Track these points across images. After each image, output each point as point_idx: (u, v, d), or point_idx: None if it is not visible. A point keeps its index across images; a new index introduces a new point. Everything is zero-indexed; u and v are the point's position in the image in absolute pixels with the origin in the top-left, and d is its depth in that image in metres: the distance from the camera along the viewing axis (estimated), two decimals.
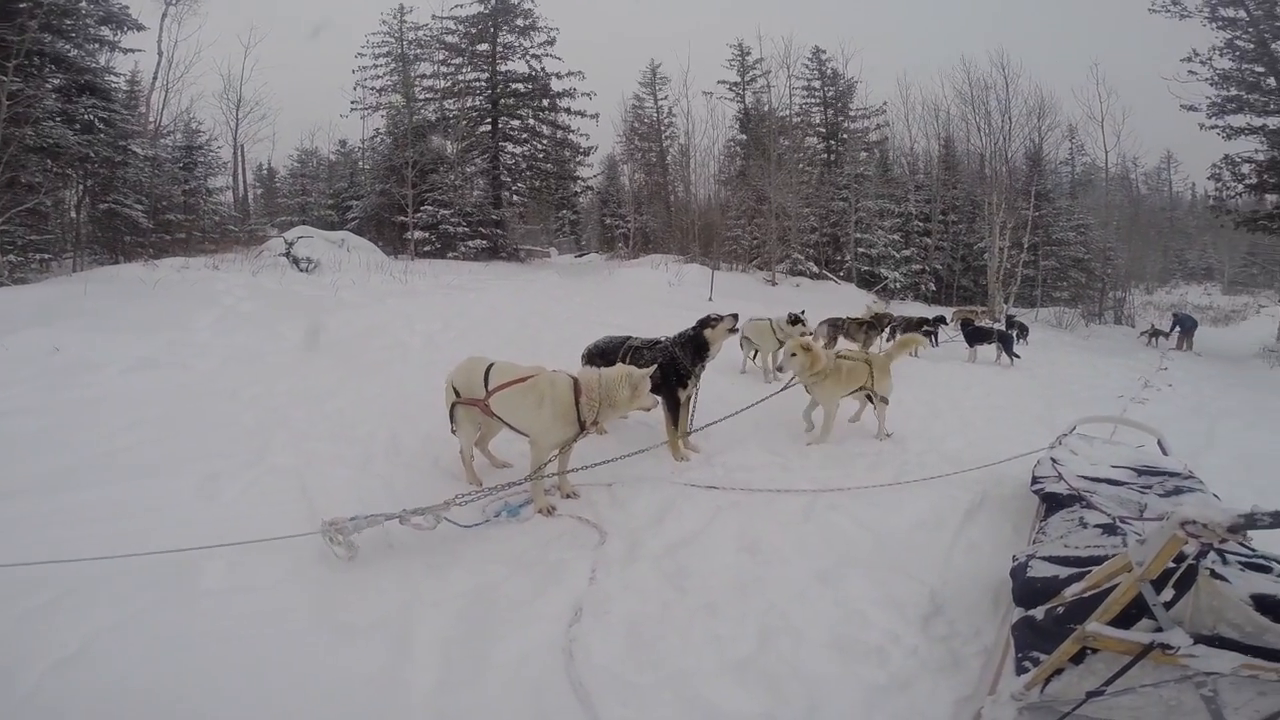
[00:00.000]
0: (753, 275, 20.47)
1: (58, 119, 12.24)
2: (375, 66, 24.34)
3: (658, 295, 14.97)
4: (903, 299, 21.98)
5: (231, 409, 4.83)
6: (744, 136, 26.48)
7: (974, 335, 10.45)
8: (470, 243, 20.51)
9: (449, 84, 23.44)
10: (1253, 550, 2.34)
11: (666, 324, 4.94)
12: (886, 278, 22.00)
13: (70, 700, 1.97)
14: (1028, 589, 2.35)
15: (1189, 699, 1.80)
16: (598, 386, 3.47)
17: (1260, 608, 1.78)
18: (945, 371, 8.19)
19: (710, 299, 15.05)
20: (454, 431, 3.77)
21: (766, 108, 26.26)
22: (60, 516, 3.04)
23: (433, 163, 21.64)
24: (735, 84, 27.03)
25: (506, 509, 3.47)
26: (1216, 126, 18.76)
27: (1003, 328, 12.28)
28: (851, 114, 27.03)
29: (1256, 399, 9.39)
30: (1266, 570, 2.05)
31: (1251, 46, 18.11)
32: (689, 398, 4.60)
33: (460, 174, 22.48)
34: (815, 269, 21.55)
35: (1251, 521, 1.52)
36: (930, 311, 14.24)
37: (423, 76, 23.92)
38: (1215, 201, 20.16)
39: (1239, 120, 18.51)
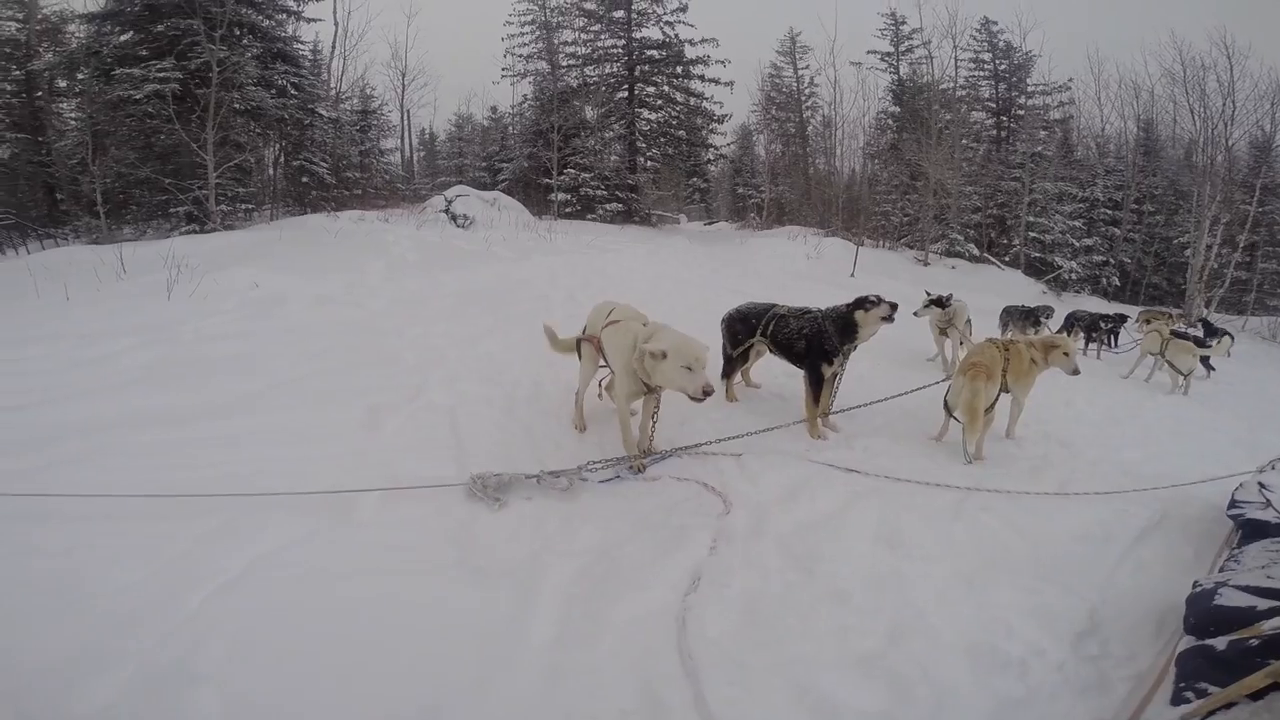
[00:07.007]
0: (902, 254, 18.80)
1: (257, 84, 13.67)
2: (521, 34, 24.93)
3: (794, 268, 14.22)
4: (1077, 292, 19.27)
5: (396, 346, 5.14)
6: (897, 109, 24.37)
7: None
8: (607, 206, 20.90)
9: (589, 50, 23.62)
10: None
11: (804, 298, 4.73)
12: (1061, 267, 19.32)
13: (223, 623, 2.05)
14: (1211, 617, 2.22)
15: None
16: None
17: None
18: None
19: (853, 275, 14.09)
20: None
21: (925, 79, 23.90)
22: (249, 437, 3.33)
23: (575, 128, 22.11)
24: (888, 54, 24.84)
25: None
26: None
27: (1200, 334, 10.13)
28: (1028, 90, 23.90)
29: None
30: None
31: None
32: (834, 375, 4.21)
33: (600, 139, 22.76)
34: (975, 251, 19.40)
35: None
36: (1110, 308, 12.24)
37: (565, 44, 24.27)
38: None
39: None
